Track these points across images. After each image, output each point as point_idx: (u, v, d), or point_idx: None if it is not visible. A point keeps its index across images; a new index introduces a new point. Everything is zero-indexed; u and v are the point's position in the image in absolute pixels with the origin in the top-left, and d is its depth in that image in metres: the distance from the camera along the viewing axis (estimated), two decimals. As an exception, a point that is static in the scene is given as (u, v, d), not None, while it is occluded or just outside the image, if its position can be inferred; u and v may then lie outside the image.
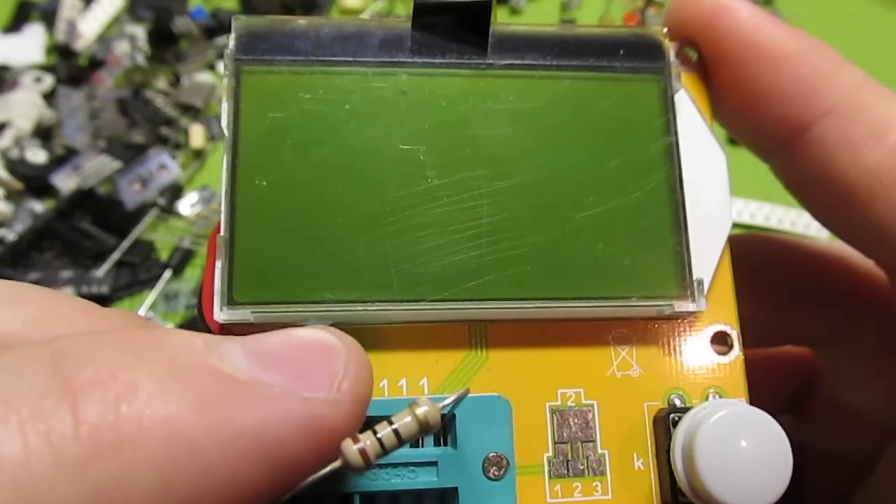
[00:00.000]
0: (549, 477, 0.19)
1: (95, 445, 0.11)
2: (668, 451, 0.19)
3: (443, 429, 0.18)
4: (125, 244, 0.48)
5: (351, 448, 0.14)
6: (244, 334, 0.18)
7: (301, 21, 0.20)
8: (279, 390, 0.13)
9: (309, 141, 0.19)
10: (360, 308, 0.19)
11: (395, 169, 0.19)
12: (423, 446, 0.17)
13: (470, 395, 0.17)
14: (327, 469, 0.14)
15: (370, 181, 0.19)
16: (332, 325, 0.19)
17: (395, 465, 0.17)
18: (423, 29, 0.20)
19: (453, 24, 0.20)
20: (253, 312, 0.18)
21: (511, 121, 0.20)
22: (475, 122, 0.20)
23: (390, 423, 0.14)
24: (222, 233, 0.19)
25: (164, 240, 0.50)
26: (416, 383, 0.19)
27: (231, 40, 0.20)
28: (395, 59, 0.20)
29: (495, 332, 0.20)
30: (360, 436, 0.14)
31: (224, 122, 0.19)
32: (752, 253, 0.23)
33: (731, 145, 0.51)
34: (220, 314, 0.18)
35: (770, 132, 0.21)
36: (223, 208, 0.19)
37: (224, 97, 0.19)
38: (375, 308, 0.19)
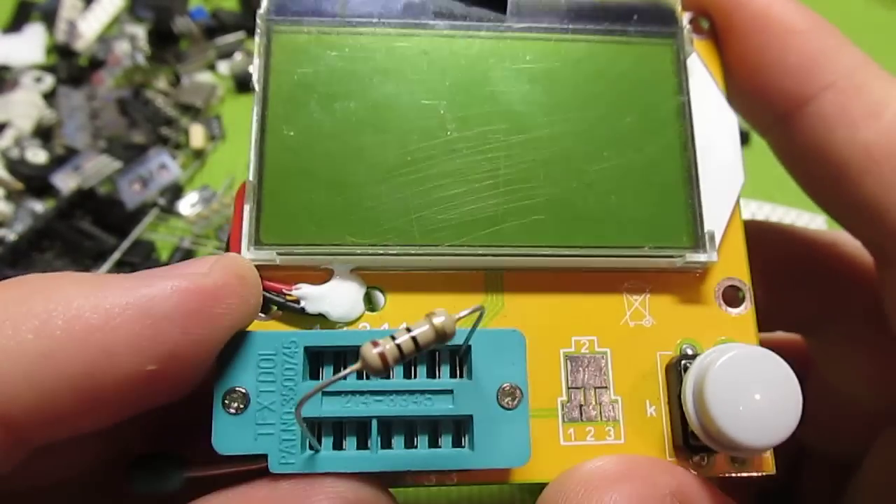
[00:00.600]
0: (563, 421, 0.19)
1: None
2: (679, 397, 0.19)
3: (459, 359, 0.18)
4: (125, 244, 0.48)
5: (370, 351, 0.14)
6: (270, 276, 0.19)
7: (329, -16, 0.21)
8: (156, 275, 0.16)
9: (335, 95, 0.20)
10: (381, 252, 0.19)
11: (417, 122, 0.20)
12: (439, 376, 0.18)
13: (485, 328, 0.18)
14: (348, 370, 0.15)
15: (392, 133, 0.20)
16: (353, 270, 0.20)
17: (412, 392, 0.17)
18: (445, -6, 0.21)
19: (474, -11, 0.21)
20: (279, 254, 0.19)
21: (528, 79, 0.21)
22: (493, 80, 0.21)
23: (408, 330, 0.15)
24: (251, 177, 0.19)
25: (165, 240, 0.50)
26: (433, 327, 0.20)
27: (264, 1, 0.21)
28: (418, 22, 0.21)
29: (511, 280, 0.20)
30: (380, 340, 0.15)
31: (255, 77, 0.20)
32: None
33: None
34: (248, 254, 0.19)
35: (772, 104, 0.22)
36: (252, 156, 0.20)
37: (255, 54, 0.21)
38: (395, 252, 0.19)
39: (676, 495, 0.17)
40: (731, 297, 0.21)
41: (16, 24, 0.60)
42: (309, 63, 0.21)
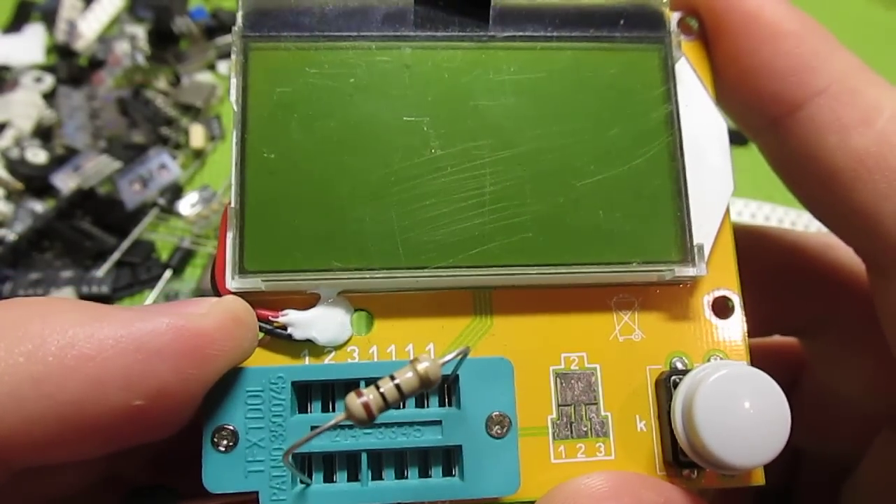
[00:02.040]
0: (553, 438, 0.20)
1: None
2: (669, 413, 0.19)
3: (447, 389, 0.18)
4: (125, 244, 0.49)
5: (354, 401, 0.14)
6: (257, 302, 0.19)
7: (306, -3, 0.21)
8: (154, 310, 0.16)
9: (315, 114, 0.20)
10: (367, 276, 0.19)
11: (400, 140, 0.20)
12: (427, 406, 0.18)
13: (473, 357, 0.18)
14: (332, 421, 0.15)
15: (375, 152, 0.20)
16: (340, 293, 0.20)
17: (401, 425, 0.17)
18: (426, 2, 0.21)
19: (455, -3, 0.21)
20: (264, 281, 0.19)
21: (513, 91, 0.20)
22: (478, 94, 0.20)
23: (392, 378, 0.15)
24: (233, 204, 0.19)
25: (165, 240, 0.50)
26: (422, 348, 0.20)
27: (238, 17, 0.20)
28: (398, 33, 0.21)
29: (499, 299, 0.20)
30: (364, 390, 0.15)
31: (233, 97, 0.20)
32: (737, 244, 0.23)
33: (732, 145, 0.51)
34: (232, 283, 0.19)
35: (763, 108, 0.21)
36: (233, 180, 0.19)
37: (232, 73, 0.20)
38: (382, 276, 0.19)
39: None
40: (721, 307, 0.21)
41: (16, 24, 0.59)
42: (288, 82, 0.20)
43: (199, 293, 0.48)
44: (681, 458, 0.19)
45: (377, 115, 0.20)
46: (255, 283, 0.19)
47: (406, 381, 0.15)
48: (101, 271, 0.48)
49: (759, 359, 0.26)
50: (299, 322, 0.19)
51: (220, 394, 0.17)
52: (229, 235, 0.19)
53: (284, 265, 0.19)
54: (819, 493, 0.27)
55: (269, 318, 0.19)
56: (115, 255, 0.48)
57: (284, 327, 0.19)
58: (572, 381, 0.20)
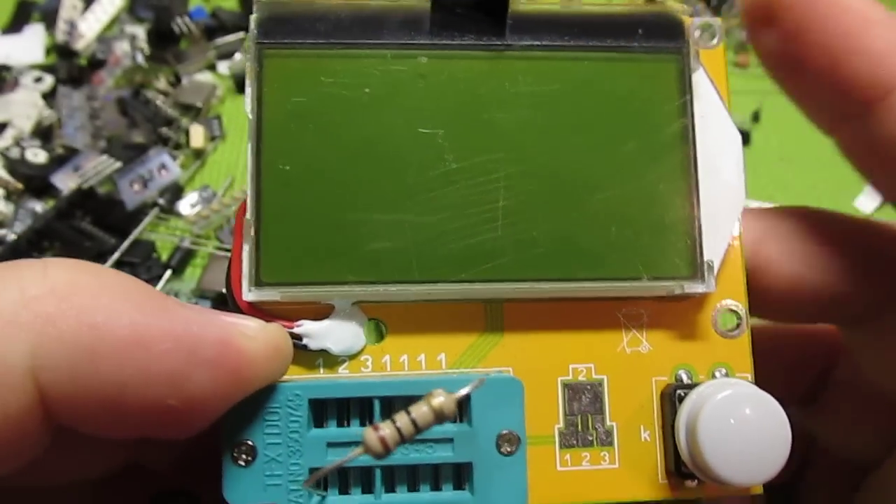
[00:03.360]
0: (560, 447, 0.20)
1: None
2: (673, 425, 0.20)
3: (459, 407, 0.19)
4: (125, 244, 0.48)
5: (372, 436, 0.15)
6: (272, 313, 0.19)
7: (321, 3, 0.20)
8: (210, 316, 0.17)
9: (330, 125, 0.20)
10: (381, 288, 0.19)
11: (415, 153, 0.20)
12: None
13: (483, 372, 0.18)
14: (350, 455, 0.15)
15: (390, 165, 0.20)
16: (354, 303, 0.20)
17: (414, 442, 0.18)
18: (442, 10, 0.20)
19: (472, 4, 0.20)
20: (280, 293, 0.19)
21: (528, 104, 0.20)
22: (493, 106, 0.20)
23: (408, 412, 0.15)
24: (248, 215, 0.19)
25: (165, 240, 0.50)
26: (434, 358, 0.20)
27: (253, 23, 0.20)
28: (414, 42, 0.20)
29: (510, 311, 0.21)
30: (381, 425, 0.15)
31: (248, 107, 0.20)
32: (802, 222, 0.23)
33: None
34: (249, 294, 0.19)
35: (857, 91, 0.21)
36: (249, 192, 0.19)
37: (247, 81, 0.20)
38: (396, 288, 0.19)
39: None
40: (728, 322, 0.21)
41: (16, 24, 0.59)
42: (303, 91, 0.20)
43: (200, 293, 0.48)
44: (682, 470, 0.20)
45: (392, 127, 0.20)
46: (271, 294, 0.19)
47: (421, 415, 0.15)
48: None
49: (792, 346, 0.26)
50: (314, 333, 0.20)
51: (240, 410, 0.17)
52: (245, 247, 0.19)
53: (300, 277, 0.19)
54: (832, 490, 0.27)
55: (285, 328, 0.20)
56: (115, 256, 0.48)
57: (300, 337, 0.20)
58: (580, 392, 0.20)
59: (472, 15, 0.21)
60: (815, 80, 0.22)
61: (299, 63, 0.20)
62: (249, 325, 0.17)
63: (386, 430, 0.15)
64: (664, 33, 0.21)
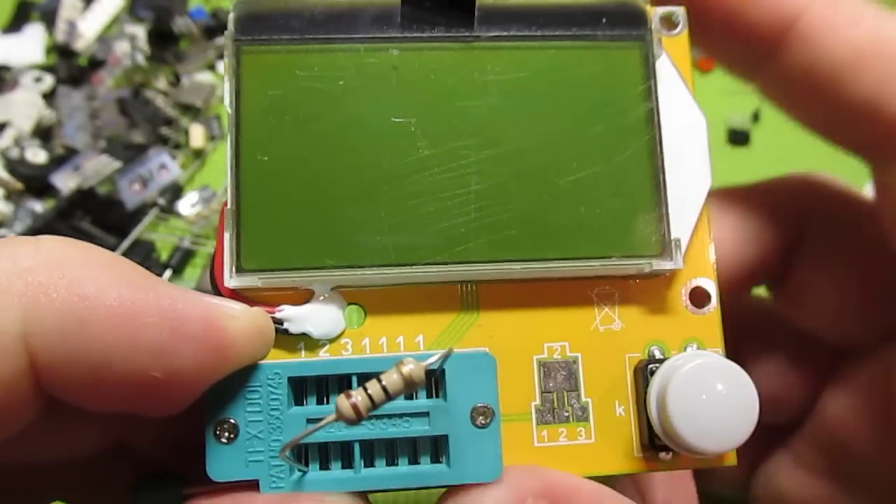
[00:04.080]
0: (537, 423, 0.21)
1: None
2: (645, 399, 0.20)
3: (434, 382, 0.19)
4: (125, 244, 0.48)
5: (344, 402, 0.15)
6: (253, 299, 0.20)
7: (296, 1, 0.21)
8: (196, 295, 0.17)
9: (307, 117, 0.21)
10: (359, 272, 0.20)
11: (389, 141, 0.21)
12: (416, 398, 0.19)
13: (457, 351, 0.19)
14: (323, 422, 0.16)
15: (365, 153, 0.20)
16: (334, 288, 0.21)
17: (391, 416, 0.18)
18: (413, 4, 0.21)
19: (441, -2, 0.21)
20: (260, 278, 0.20)
21: (498, 91, 0.21)
22: (463, 94, 0.21)
23: (379, 380, 0.16)
24: (229, 205, 0.20)
25: (164, 240, 0.50)
26: (412, 340, 0.21)
27: (230, 22, 0.21)
28: (386, 35, 0.21)
29: (485, 292, 0.21)
30: (352, 392, 0.16)
31: (227, 101, 0.21)
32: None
33: (731, 145, 0.51)
34: (231, 281, 0.20)
35: (759, 36, 0.23)
36: (228, 182, 0.20)
37: (225, 76, 0.21)
38: (373, 272, 0.20)
39: (544, 496, 0.19)
40: (698, 298, 0.22)
41: (16, 24, 0.59)
42: (279, 85, 0.21)
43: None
44: (656, 442, 0.20)
45: (366, 117, 0.21)
46: (252, 280, 0.20)
47: (392, 382, 0.16)
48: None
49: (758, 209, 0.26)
50: (295, 317, 0.20)
51: (222, 388, 0.18)
52: (226, 235, 0.20)
53: (280, 263, 0.20)
54: (805, 373, 0.28)
55: (266, 313, 0.20)
56: None
57: (281, 322, 0.20)
58: (555, 370, 0.21)
59: (441, 8, 0.21)
60: (721, 35, 0.23)
61: (275, 58, 0.21)
62: (233, 307, 0.18)
63: (357, 396, 0.15)
64: (627, 21, 0.22)
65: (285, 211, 0.20)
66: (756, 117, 0.52)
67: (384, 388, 0.15)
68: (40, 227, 0.48)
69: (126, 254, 0.48)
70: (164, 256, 0.50)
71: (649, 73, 0.22)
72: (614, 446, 0.21)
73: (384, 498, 0.26)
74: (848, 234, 0.25)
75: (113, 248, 0.48)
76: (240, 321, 0.18)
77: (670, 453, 0.21)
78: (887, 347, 0.25)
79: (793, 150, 0.51)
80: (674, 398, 0.19)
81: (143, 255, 0.48)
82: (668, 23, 0.23)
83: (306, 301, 0.21)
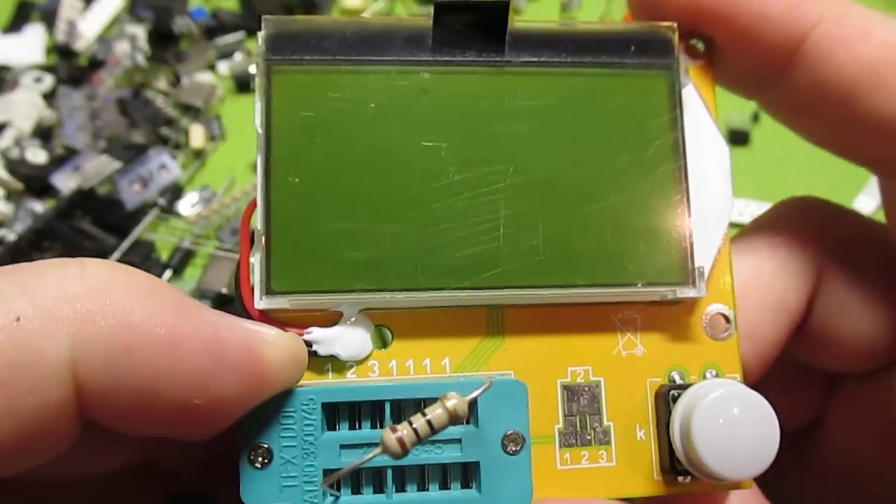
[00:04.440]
0: (560, 446, 0.21)
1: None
2: (667, 424, 0.21)
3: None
4: (125, 244, 0.48)
5: (390, 436, 0.15)
6: (282, 320, 0.20)
7: (327, 21, 0.21)
8: (236, 320, 0.18)
9: (337, 139, 0.21)
10: (388, 295, 0.20)
11: (419, 165, 0.21)
12: (448, 425, 0.19)
13: (488, 376, 0.19)
14: (370, 455, 0.16)
15: (396, 177, 0.21)
16: (361, 311, 0.21)
17: (424, 443, 0.19)
18: (444, 28, 0.21)
19: (473, 22, 0.21)
20: (290, 300, 0.20)
21: (527, 118, 0.21)
22: (493, 120, 0.21)
23: (424, 414, 0.16)
24: (259, 227, 0.20)
25: (165, 240, 0.50)
26: (438, 362, 0.21)
27: (261, 40, 0.21)
28: (417, 58, 0.21)
29: (511, 316, 0.21)
30: (398, 426, 0.16)
31: (257, 121, 0.20)
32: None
33: (731, 146, 0.52)
34: (260, 303, 0.20)
35: (769, 55, 0.22)
36: (259, 203, 0.20)
37: (256, 96, 0.21)
38: (402, 296, 0.20)
39: None
40: (717, 325, 0.22)
41: (16, 24, 0.59)
42: (311, 106, 0.21)
43: (200, 293, 0.48)
44: (677, 466, 0.21)
45: (397, 140, 0.21)
46: (281, 302, 0.20)
47: (437, 416, 0.16)
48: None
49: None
50: (323, 339, 0.20)
51: (257, 414, 0.18)
52: (256, 257, 0.20)
53: (309, 286, 0.20)
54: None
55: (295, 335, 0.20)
56: (115, 256, 0.48)
57: (310, 344, 0.20)
58: (578, 393, 0.21)
59: (472, 32, 0.21)
60: (730, 61, 0.23)
61: (307, 78, 0.21)
62: (270, 333, 0.18)
63: (403, 430, 0.16)
64: (655, 50, 0.22)
65: (315, 233, 0.20)
66: (756, 117, 0.53)
67: (429, 423, 0.16)
68: (40, 228, 0.48)
69: (126, 254, 0.48)
70: (164, 257, 0.49)
71: (675, 103, 0.22)
72: (635, 469, 0.21)
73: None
74: (867, 267, 0.24)
75: (113, 249, 0.48)
76: (278, 348, 0.18)
77: (689, 477, 0.21)
78: (891, 367, 0.25)
79: (793, 151, 0.51)
80: (698, 427, 0.19)
81: (143, 255, 0.48)
82: (691, 50, 0.23)
83: (334, 323, 0.21)
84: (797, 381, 0.28)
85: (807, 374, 0.28)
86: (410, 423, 0.16)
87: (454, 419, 0.16)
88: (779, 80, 0.23)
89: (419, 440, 0.16)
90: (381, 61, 0.21)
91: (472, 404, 0.19)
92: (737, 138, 0.52)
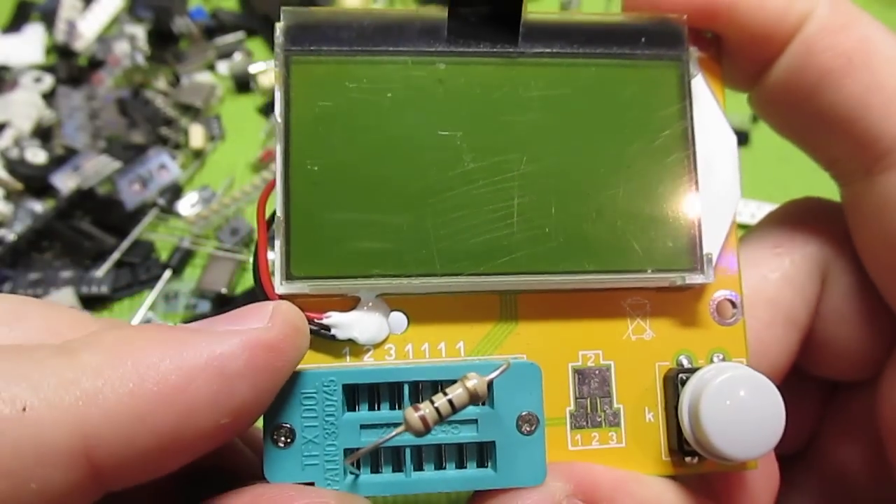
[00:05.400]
0: (571, 428, 0.22)
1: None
2: (676, 407, 0.21)
3: (484, 390, 0.20)
4: (125, 244, 0.49)
5: (413, 415, 0.16)
6: (301, 305, 0.21)
7: (344, 12, 0.22)
8: (223, 329, 0.17)
9: (355, 128, 0.21)
10: (404, 281, 0.21)
11: (435, 154, 0.21)
12: (465, 406, 0.20)
13: (503, 358, 0.19)
14: (393, 433, 0.16)
15: (412, 165, 0.21)
16: (379, 295, 0.21)
17: (441, 423, 0.19)
18: (459, 19, 0.22)
19: (487, 14, 0.22)
20: (309, 285, 0.20)
21: (540, 107, 0.22)
22: (507, 109, 0.22)
23: (445, 394, 0.17)
24: (279, 213, 0.20)
25: (164, 240, 0.50)
26: (453, 346, 0.21)
27: (279, 31, 0.21)
28: (432, 49, 0.22)
29: (524, 301, 0.22)
30: (420, 405, 0.16)
31: (277, 111, 0.21)
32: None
33: None
34: (281, 287, 0.20)
35: (767, 45, 0.22)
36: (279, 191, 0.21)
37: (276, 86, 0.21)
38: (419, 281, 0.21)
39: (576, 495, 0.20)
40: (724, 310, 0.23)
41: (15, 24, 0.59)
42: (329, 96, 0.21)
43: (199, 293, 0.49)
44: (685, 447, 0.21)
45: (413, 129, 0.21)
46: (301, 287, 0.20)
47: (458, 396, 0.16)
48: (100, 271, 0.48)
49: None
50: (342, 323, 0.21)
51: (280, 396, 0.19)
52: (277, 243, 0.20)
53: (328, 271, 0.21)
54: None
55: (314, 319, 0.21)
56: (115, 256, 0.48)
57: (328, 328, 0.21)
58: (589, 377, 0.22)
59: (486, 24, 0.22)
60: (727, 49, 0.23)
61: (325, 69, 0.21)
62: (259, 314, 0.18)
63: (425, 409, 0.16)
64: (665, 42, 0.23)
65: (334, 220, 0.21)
66: (756, 117, 0.53)
67: (450, 402, 0.16)
68: (40, 228, 0.48)
69: (126, 254, 0.49)
70: (163, 256, 0.50)
71: (685, 93, 0.22)
72: (644, 450, 0.22)
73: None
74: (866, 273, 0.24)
75: (112, 249, 0.49)
76: (275, 329, 0.17)
77: (696, 458, 0.22)
78: (876, 379, 0.25)
79: (792, 151, 0.52)
80: (706, 409, 0.20)
81: (143, 255, 0.49)
82: (702, 43, 0.24)
83: (352, 307, 0.21)
84: (795, 398, 0.28)
85: (804, 390, 0.27)
86: (432, 402, 0.16)
87: (474, 398, 0.16)
88: (769, 70, 0.23)
89: (440, 419, 0.16)
90: (398, 52, 0.21)
91: (490, 385, 0.20)
92: (737, 138, 0.52)
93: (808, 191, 0.26)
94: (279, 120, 0.21)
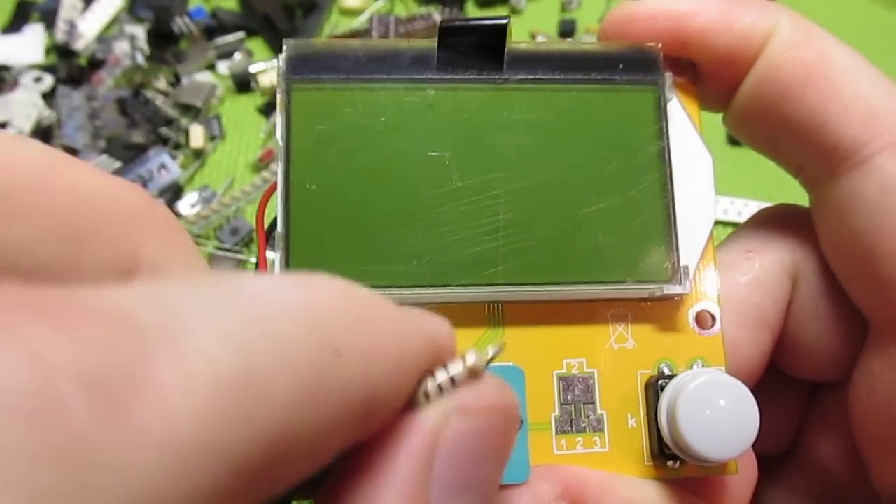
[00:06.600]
0: (556, 433, 0.23)
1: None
2: (656, 412, 0.22)
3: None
4: None
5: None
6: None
7: (342, 44, 0.23)
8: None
9: (351, 150, 0.23)
10: (396, 292, 0.22)
11: (425, 173, 0.23)
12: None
13: (489, 366, 0.20)
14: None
15: (403, 184, 0.23)
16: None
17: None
18: (448, 48, 0.23)
19: (474, 43, 0.23)
20: (307, 296, 0.22)
21: (524, 129, 0.23)
22: (493, 131, 0.23)
23: (447, 371, 0.17)
24: (279, 229, 0.22)
25: None
26: (443, 355, 0.23)
27: (282, 61, 0.23)
28: (423, 76, 0.23)
29: (510, 312, 0.23)
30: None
31: (278, 134, 0.23)
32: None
33: (731, 146, 0.52)
34: (280, 298, 0.22)
35: (734, 68, 0.24)
36: (279, 209, 0.22)
37: (277, 111, 0.23)
38: (409, 292, 0.22)
39: (564, 497, 0.20)
40: (703, 320, 0.24)
41: (15, 24, 0.59)
42: (327, 120, 0.23)
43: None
44: (665, 451, 0.22)
45: (405, 151, 0.23)
46: (299, 298, 0.22)
47: (458, 374, 0.17)
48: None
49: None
50: (337, 332, 0.22)
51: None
52: (277, 256, 0.22)
53: (325, 283, 0.22)
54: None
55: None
56: None
57: (325, 337, 0.22)
58: (573, 384, 0.23)
59: (473, 53, 0.23)
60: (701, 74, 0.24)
61: (323, 95, 0.23)
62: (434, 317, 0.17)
63: (429, 384, 0.17)
64: (642, 67, 0.24)
65: (330, 236, 0.22)
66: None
67: (452, 379, 0.17)
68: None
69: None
70: (163, 256, 0.51)
71: (661, 115, 0.24)
72: (627, 454, 0.23)
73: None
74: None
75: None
76: (447, 327, 0.17)
77: (678, 461, 0.22)
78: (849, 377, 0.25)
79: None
80: (683, 412, 0.21)
81: (142, 254, 0.49)
82: (677, 68, 0.25)
83: (347, 317, 0.23)
84: (778, 398, 0.28)
85: (787, 391, 0.28)
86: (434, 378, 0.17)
87: (473, 375, 0.17)
88: (738, 89, 0.24)
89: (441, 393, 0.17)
90: (391, 79, 0.23)
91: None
92: (737, 139, 0.53)
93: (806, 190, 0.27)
94: (280, 142, 0.22)
